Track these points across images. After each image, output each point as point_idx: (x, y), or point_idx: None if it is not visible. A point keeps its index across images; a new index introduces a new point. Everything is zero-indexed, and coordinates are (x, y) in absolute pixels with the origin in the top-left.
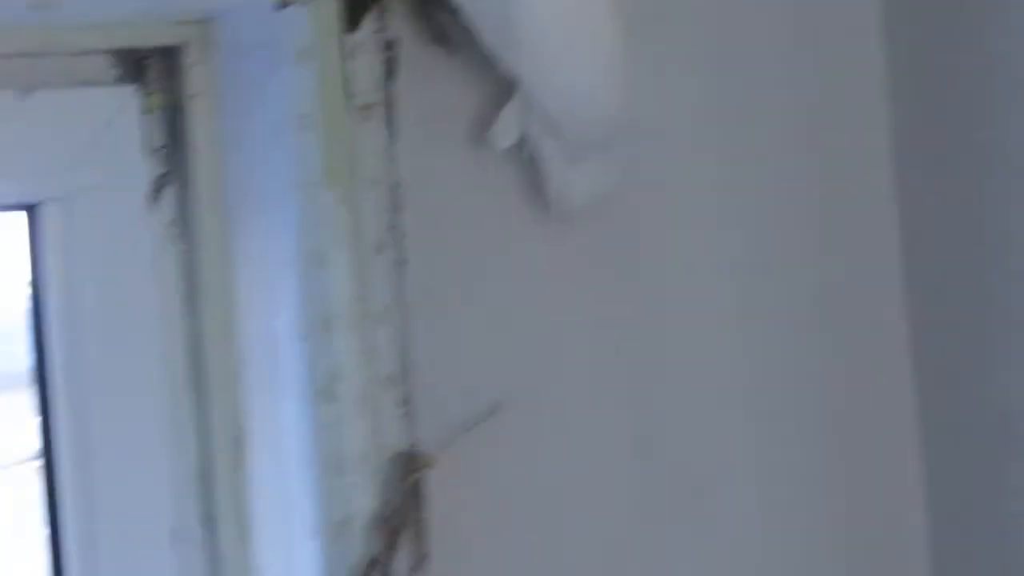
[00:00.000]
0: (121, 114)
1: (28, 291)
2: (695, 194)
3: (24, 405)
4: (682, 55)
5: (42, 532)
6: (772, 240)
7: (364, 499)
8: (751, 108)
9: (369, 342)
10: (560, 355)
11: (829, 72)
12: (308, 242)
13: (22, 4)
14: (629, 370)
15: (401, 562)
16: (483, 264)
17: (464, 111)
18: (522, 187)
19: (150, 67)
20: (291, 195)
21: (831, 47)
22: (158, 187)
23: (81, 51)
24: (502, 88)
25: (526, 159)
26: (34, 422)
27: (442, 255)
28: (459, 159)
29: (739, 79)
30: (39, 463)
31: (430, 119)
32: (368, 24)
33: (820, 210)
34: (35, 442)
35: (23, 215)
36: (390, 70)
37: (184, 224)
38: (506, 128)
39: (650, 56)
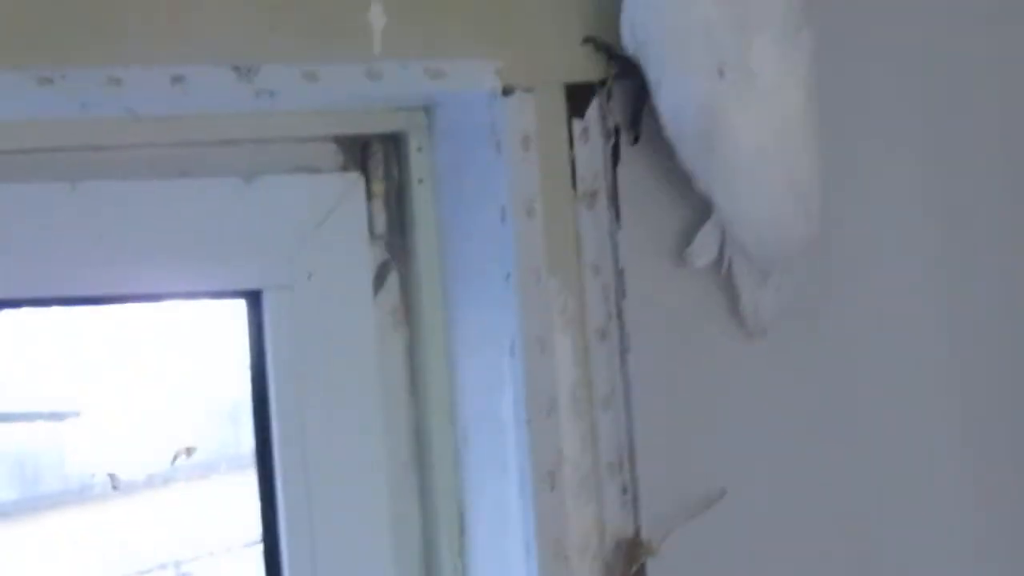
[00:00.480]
0: (344, 200)
1: (249, 376)
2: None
3: (249, 487)
4: (880, 157)
5: None
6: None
7: None
8: (954, 209)
9: (592, 428)
10: (779, 444)
11: None
12: (531, 327)
13: (247, 91)
14: (842, 457)
15: None
16: (702, 351)
17: (678, 206)
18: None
19: (373, 153)
20: (513, 280)
21: None
22: (381, 273)
23: (305, 138)
24: (701, 203)
25: (725, 270)
26: (258, 505)
27: (662, 343)
28: (676, 251)
29: (940, 179)
30: (262, 546)
31: (651, 208)
32: (592, 111)
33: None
34: (259, 525)
35: (241, 302)
36: (614, 157)
37: (406, 309)
38: (702, 248)
39: (847, 163)
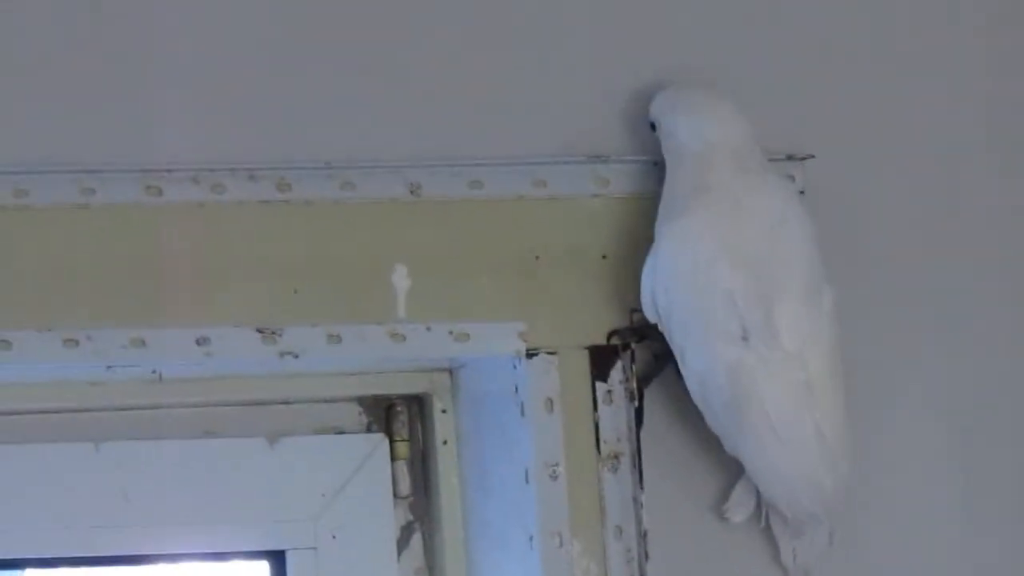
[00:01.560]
0: (368, 461)
1: None
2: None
3: None
4: (907, 407)
5: None
6: None
7: None
8: (979, 463)
9: None
10: None
11: None
12: None
13: (271, 353)
14: None
15: None
16: None
17: (705, 466)
18: (761, 543)
19: (397, 415)
20: (536, 543)
21: None
22: (405, 534)
23: (328, 399)
24: (728, 461)
25: (762, 524)
26: None
27: None
28: (702, 511)
29: (965, 430)
30: None
31: (675, 467)
32: (615, 374)
33: None
34: None
35: (264, 562)
36: (638, 419)
37: (430, 570)
38: (739, 503)
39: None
